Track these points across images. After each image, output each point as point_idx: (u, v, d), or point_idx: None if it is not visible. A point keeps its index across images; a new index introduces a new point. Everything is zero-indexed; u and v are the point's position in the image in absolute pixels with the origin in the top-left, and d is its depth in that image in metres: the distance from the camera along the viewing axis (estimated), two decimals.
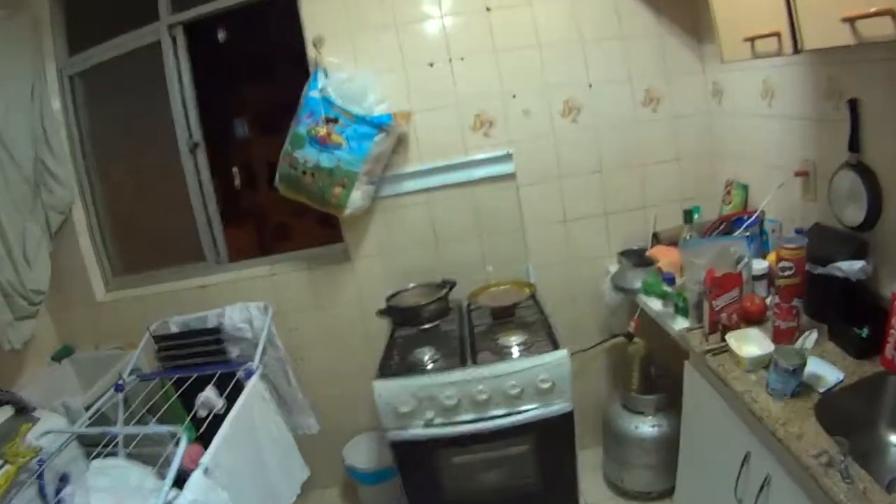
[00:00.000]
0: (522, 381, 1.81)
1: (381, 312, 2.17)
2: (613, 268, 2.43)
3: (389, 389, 1.85)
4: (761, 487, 1.38)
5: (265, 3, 2.42)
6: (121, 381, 2.03)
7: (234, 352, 2.17)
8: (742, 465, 1.47)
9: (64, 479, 1.73)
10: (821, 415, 1.33)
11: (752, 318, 1.72)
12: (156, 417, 2.02)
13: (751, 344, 1.59)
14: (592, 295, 2.48)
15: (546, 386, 1.80)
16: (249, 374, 1.98)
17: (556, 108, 2.36)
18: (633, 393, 2.22)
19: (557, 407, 1.83)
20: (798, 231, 1.87)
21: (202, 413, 1.91)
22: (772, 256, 1.88)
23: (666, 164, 2.42)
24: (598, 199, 2.44)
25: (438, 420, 1.84)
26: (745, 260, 1.79)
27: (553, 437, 1.87)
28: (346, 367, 2.54)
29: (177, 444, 1.53)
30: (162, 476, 1.50)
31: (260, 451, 1.89)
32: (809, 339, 1.48)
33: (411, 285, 2.34)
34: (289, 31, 2.33)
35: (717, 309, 1.66)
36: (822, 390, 1.39)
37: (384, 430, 1.89)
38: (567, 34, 2.31)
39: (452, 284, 2.28)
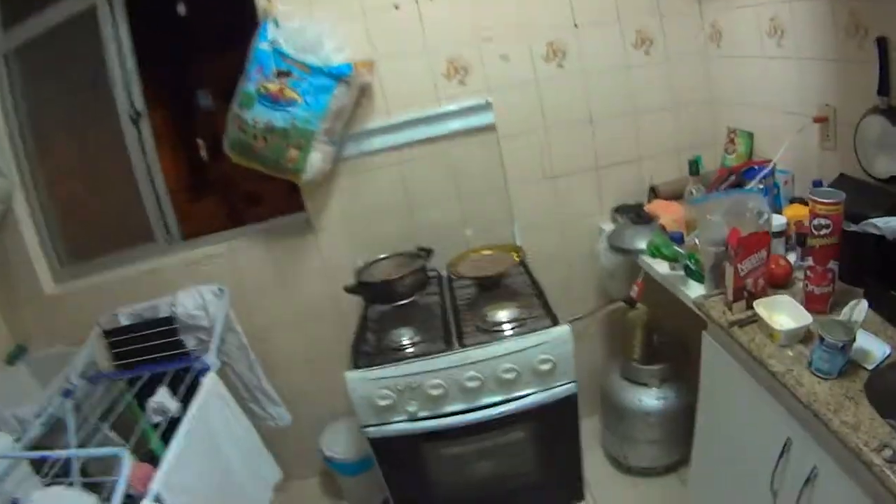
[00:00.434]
0: (519, 364, 1.57)
1: (350, 289, 1.89)
2: (608, 226, 2.19)
3: (365, 381, 1.59)
4: (806, 481, 1.17)
5: None
6: (69, 386, 1.77)
7: (190, 342, 1.94)
8: (781, 454, 1.27)
9: None
10: (872, 396, 1.13)
11: (778, 283, 1.51)
12: (111, 424, 1.78)
13: (781, 313, 1.38)
14: (585, 257, 2.26)
15: (546, 367, 1.56)
16: (204, 371, 1.69)
17: (538, 51, 2.07)
18: (635, 363, 2.02)
19: (559, 389, 1.61)
20: (816, 183, 1.66)
21: (155, 420, 1.65)
22: (789, 211, 1.67)
23: (661, 112, 2.18)
24: (588, 152, 2.18)
25: (423, 413, 1.61)
26: (766, 216, 1.55)
27: (554, 421, 1.66)
28: (316, 347, 2.29)
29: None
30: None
31: (222, 459, 1.63)
32: (858, 309, 1.25)
33: (383, 256, 2.06)
34: None
35: (742, 274, 1.43)
36: (870, 367, 1.19)
37: (361, 425, 1.63)
38: None
39: (429, 252, 2.01)
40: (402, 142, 2.08)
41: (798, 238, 1.56)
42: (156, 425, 1.68)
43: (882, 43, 1.38)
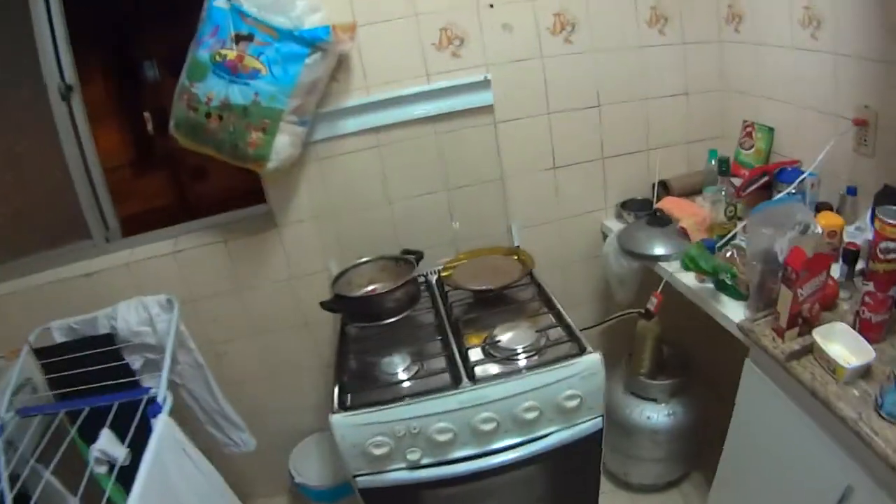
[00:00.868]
0: (542, 401, 1.40)
1: (328, 305, 1.64)
2: (611, 223, 2.06)
3: (355, 428, 1.36)
4: None
5: None
6: None
7: (136, 362, 1.68)
8: (840, 502, 1.18)
9: None
10: None
11: (826, 305, 1.41)
12: (53, 466, 1.46)
13: (837, 343, 1.27)
14: (586, 257, 2.12)
15: (573, 404, 1.40)
16: (156, 410, 1.41)
17: (544, 22, 1.85)
18: (643, 377, 1.88)
19: (586, 425, 1.45)
20: (850, 191, 1.61)
21: (100, 470, 1.37)
22: (821, 219, 1.55)
23: (673, 99, 2.03)
24: (594, 140, 2.01)
25: (427, 460, 1.40)
26: (812, 229, 1.42)
27: (576, 458, 1.51)
28: (281, 358, 2.05)
29: None
30: None
31: None
32: None
33: (363, 259, 1.81)
34: None
35: (801, 299, 1.30)
36: None
37: (350, 473, 1.41)
38: None
39: (418, 256, 1.78)
40: (382, 123, 1.82)
41: (847, 255, 1.44)
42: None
43: None
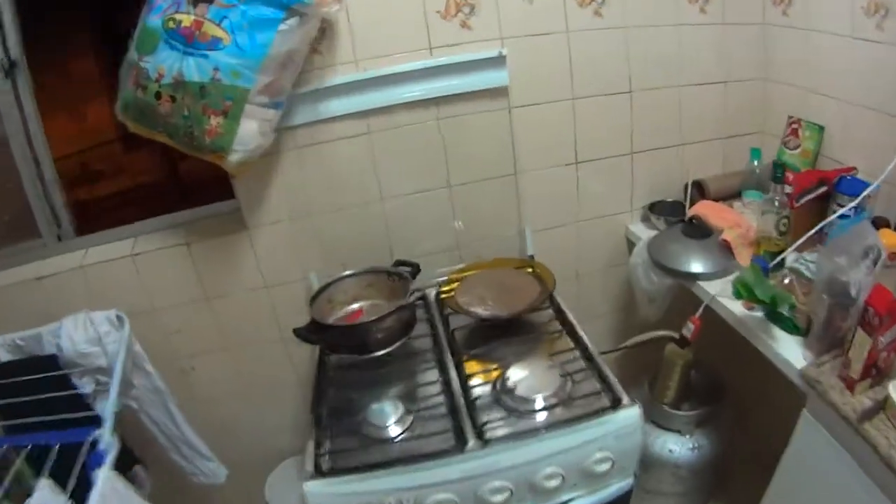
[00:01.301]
0: (566, 466, 1.20)
1: (303, 334, 1.40)
2: (637, 228, 1.86)
3: (335, 498, 1.15)
4: None
5: None
6: None
7: (87, 386, 1.49)
8: None
9: None
10: None
11: None
12: None
13: None
14: (606, 265, 1.93)
15: (603, 468, 1.21)
16: (98, 460, 1.21)
17: None
18: (667, 407, 1.70)
19: (614, 488, 1.25)
20: None
21: None
22: (883, 238, 1.33)
23: (710, 88, 1.80)
24: (623, 131, 1.78)
25: None
26: (882, 257, 1.22)
27: None
28: (256, 374, 1.84)
29: None
30: None
31: None
32: None
33: (346, 273, 1.59)
34: None
35: (881, 347, 1.11)
36: None
37: None
38: None
39: (414, 271, 1.57)
40: (375, 106, 1.58)
41: None
42: None
43: None
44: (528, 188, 1.75)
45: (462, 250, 1.78)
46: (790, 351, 1.28)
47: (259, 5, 1.29)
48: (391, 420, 1.25)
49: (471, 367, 1.39)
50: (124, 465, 1.46)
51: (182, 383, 1.72)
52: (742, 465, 1.87)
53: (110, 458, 1.24)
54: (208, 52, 1.27)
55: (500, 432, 1.20)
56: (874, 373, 1.14)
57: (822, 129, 1.65)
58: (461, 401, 1.28)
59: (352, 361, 1.45)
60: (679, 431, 1.75)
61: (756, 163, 1.71)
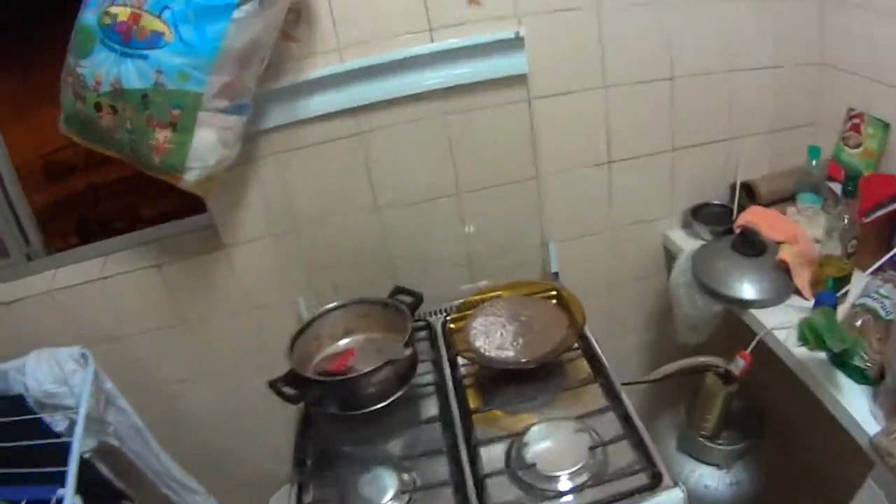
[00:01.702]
0: None
1: (279, 388, 1.19)
2: (677, 236, 1.65)
3: None
4: None
5: None
6: None
7: (60, 424, 1.38)
8: None
9: None
10: None
11: None
12: None
13: None
14: (639, 277, 1.72)
15: None
16: None
17: None
18: (705, 440, 1.53)
19: None
20: None
21: None
22: None
23: (761, 74, 1.54)
24: (663, 125, 1.54)
25: None
26: None
27: None
28: (246, 400, 1.65)
29: None
30: None
31: None
32: None
33: (335, 305, 1.39)
34: None
35: None
36: None
37: None
38: None
39: (416, 301, 1.37)
40: (365, 101, 1.35)
41: None
42: None
43: None
44: (551, 193, 1.53)
45: (474, 267, 1.58)
46: (856, 404, 1.09)
47: None
48: (386, 497, 1.07)
49: (482, 426, 1.20)
50: (112, 501, 1.44)
51: (169, 410, 1.60)
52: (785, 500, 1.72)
53: None
54: (148, 52, 1.05)
55: None
56: None
57: (887, 126, 1.42)
58: (468, 474, 1.09)
59: (341, 425, 1.26)
60: (717, 465, 1.58)
61: (815, 163, 1.48)
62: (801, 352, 1.21)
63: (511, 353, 1.28)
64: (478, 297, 1.50)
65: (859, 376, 1.12)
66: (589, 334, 1.35)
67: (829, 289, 1.29)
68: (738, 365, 1.32)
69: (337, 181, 1.42)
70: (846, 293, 1.28)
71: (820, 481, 1.72)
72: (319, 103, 1.32)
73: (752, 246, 1.39)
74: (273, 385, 1.18)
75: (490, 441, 1.17)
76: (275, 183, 1.40)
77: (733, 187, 1.60)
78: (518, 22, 1.33)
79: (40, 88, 1.68)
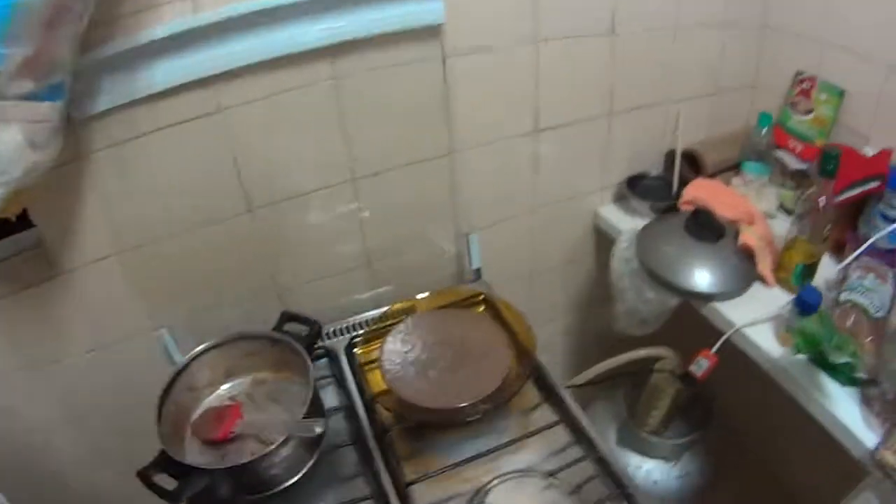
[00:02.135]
0: None
1: (151, 481, 0.87)
2: (609, 212, 1.50)
3: None
4: None
5: None
6: None
7: None
8: None
9: None
10: None
11: None
12: None
13: None
14: (565, 262, 1.56)
15: None
16: None
17: None
18: (647, 434, 1.46)
19: None
20: None
21: None
22: None
23: (705, 32, 1.40)
24: (603, 86, 1.34)
25: None
26: None
27: None
28: (111, 439, 1.28)
29: None
30: None
31: None
32: None
33: (207, 345, 1.06)
34: None
35: None
36: None
37: None
38: None
39: (313, 331, 1.09)
40: (226, 67, 0.99)
41: None
42: None
43: None
44: (467, 173, 1.28)
45: (375, 270, 1.31)
46: (845, 410, 1.01)
47: None
48: None
49: (423, 489, 0.96)
50: None
51: (24, 469, 1.22)
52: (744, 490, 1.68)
53: None
54: None
55: None
56: None
57: (842, 94, 1.34)
58: None
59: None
60: (664, 459, 1.50)
61: (765, 131, 1.37)
62: (776, 352, 1.11)
63: (447, 398, 1.02)
64: (388, 313, 1.23)
65: (845, 378, 1.02)
66: (542, 365, 1.13)
67: (797, 276, 1.19)
68: (702, 366, 1.18)
69: (196, 177, 1.07)
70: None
71: (769, 467, 1.70)
72: (166, 73, 0.95)
73: (709, 228, 1.24)
74: (143, 476, 0.86)
75: None
76: (115, 185, 1.02)
77: (669, 156, 1.47)
78: None
79: None
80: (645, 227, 1.35)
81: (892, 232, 1.14)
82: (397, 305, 1.24)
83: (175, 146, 1.03)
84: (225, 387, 1.08)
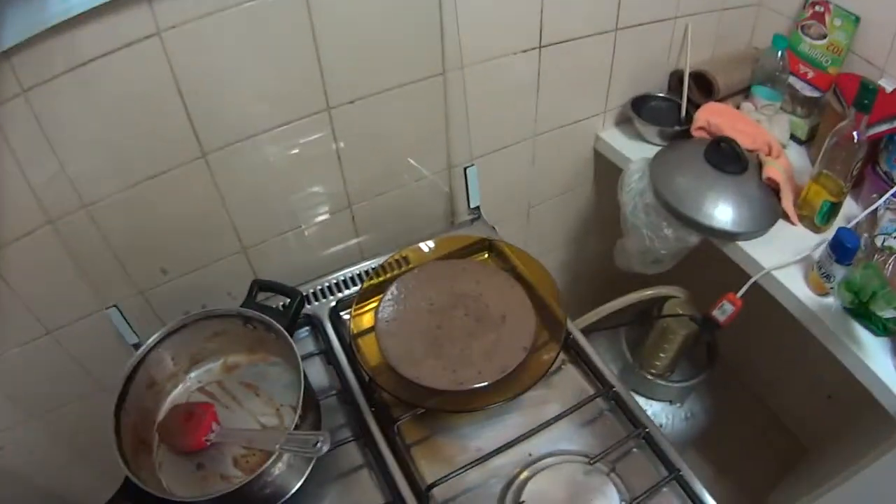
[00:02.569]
0: None
1: None
2: (612, 136, 1.37)
3: None
4: None
5: None
6: None
7: None
8: None
9: None
10: None
11: None
12: None
13: None
14: (565, 190, 1.45)
15: None
16: None
17: None
18: (656, 378, 1.43)
19: None
20: None
21: None
22: None
23: None
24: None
25: None
26: None
27: None
28: (81, 434, 1.15)
29: None
30: None
31: None
32: None
33: (158, 336, 0.86)
34: None
35: None
36: None
37: None
38: None
39: (295, 302, 0.94)
40: None
41: None
42: None
43: None
44: (462, 95, 1.10)
45: (358, 215, 1.14)
46: (878, 360, 0.97)
47: None
48: None
49: (445, 493, 0.84)
50: None
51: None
52: (756, 435, 1.72)
53: None
54: None
55: None
56: None
57: (857, 20, 1.23)
58: None
59: None
60: (669, 401, 1.51)
61: (780, 54, 1.24)
62: (810, 298, 1.04)
63: (467, 376, 0.87)
64: (378, 268, 1.05)
65: (879, 328, 0.95)
66: (574, 331, 1.00)
67: (822, 215, 1.10)
68: (726, 311, 1.12)
69: (134, 119, 0.85)
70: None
71: (772, 407, 1.73)
72: None
73: (733, 161, 1.13)
74: None
75: None
76: (35, 140, 0.80)
77: (674, 76, 1.35)
78: None
79: None
80: (657, 156, 1.23)
81: None
82: (389, 258, 1.07)
83: (105, 83, 0.80)
84: (191, 376, 0.92)
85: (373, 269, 1.08)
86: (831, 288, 1.02)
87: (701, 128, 1.23)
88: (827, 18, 1.27)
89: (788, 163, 1.17)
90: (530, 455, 0.87)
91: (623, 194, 1.22)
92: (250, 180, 1.02)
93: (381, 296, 1.00)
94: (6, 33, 0.69)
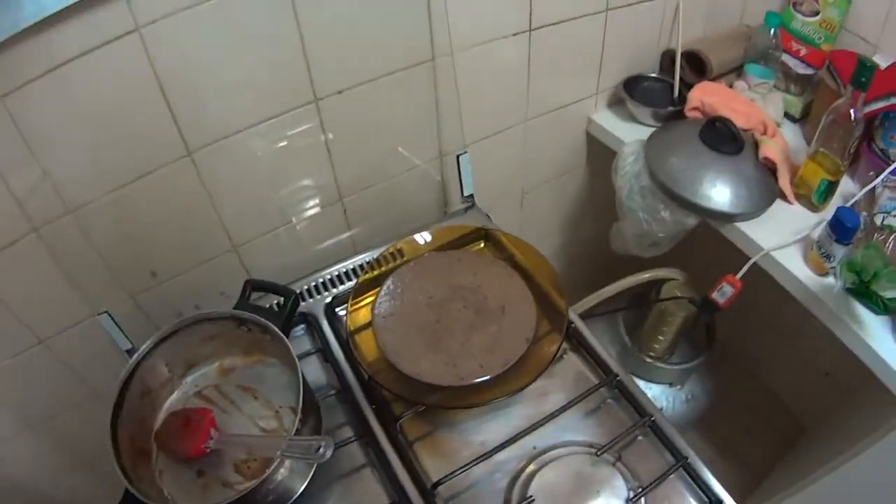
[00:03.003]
0: None
1: None
2: (604, 118, 1.36)
3: None
4: None
5: None
6: None
7: None
8: None
9: None
10: None
11: None
12: None
13: None
14: (558, 174, 1.44)
15: None
16: None
17: None
18: (651, 359, 1.44)
19: None
20: None
21: None
22: None
23: None
24: None
25: None
26: None
27: None
28: (82, 440, 1.14)
29: None
30: None
31: None
32: None
33: (150, 343, 0.84)
34: None
35: None
36: None
37: None
38: None
39: (289, 303, 0.93)
40: None
41: None
42: None
43: None
44: (452, 81, 1.08)
45: (349, 208, 1.13)
46: (879, 339, 0.99)
47: None
48: None
49: (450, 490, 0.84)
50: None
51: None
52: (758, 417, 1.74)
53: None
54: None
55: None
56: None
57: None
58: None
59: None
60: (670, 384, 1.52)
61: (773, 31, 1.24)
62: (809, 278, 1.05)
63: (469, 370, 0.88)
64: (373, 261, 1.05)
65: (880, 307, 0.96)
66: (579, 327, 0.99)
67: (820, 193, 1.11)
68: (725, 293, 1.13)
69: (116, 119, 0.83)
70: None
71: (771, 388, 1.75)
72: None
73: (729, 141, 1.13)
74: None
75: None
76: (15, 145, 0.78)
77: (666, 56, 1.35)
78: None
79: None
80: (652, 138, 1.23)
81: None
82: (383, 250, 1.06)
83: (83, 84, 0.78)
84: (187, 381, 0.91)
85: (367, 262, 1.07)
86: (831, 268, 1.03)
87: (695, 108, 1.23)
88: None
89: (784, 142, 1.18)
90: (535, 448, 0.87)
91: (618, 177, 1.23)
92: (238, 177, 1.00)
93: (377, 290, 1.00)
94: None
